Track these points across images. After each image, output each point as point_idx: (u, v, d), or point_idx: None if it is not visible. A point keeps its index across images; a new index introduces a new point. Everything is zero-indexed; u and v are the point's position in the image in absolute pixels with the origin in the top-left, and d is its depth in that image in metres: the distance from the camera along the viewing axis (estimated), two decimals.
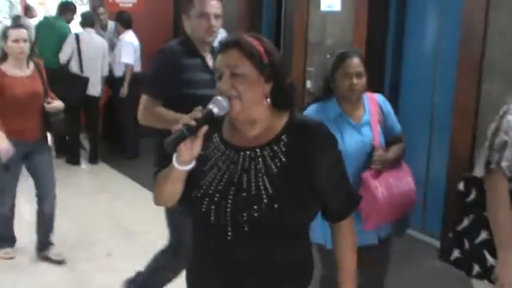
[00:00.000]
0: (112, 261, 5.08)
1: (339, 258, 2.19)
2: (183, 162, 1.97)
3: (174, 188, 2.07)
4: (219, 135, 2.13)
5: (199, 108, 1.94)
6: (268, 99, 2.05)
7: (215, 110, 1.95)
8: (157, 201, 2.19)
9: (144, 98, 3.49)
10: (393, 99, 5.90)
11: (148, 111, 3.46)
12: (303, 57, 6.68)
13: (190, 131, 1.90)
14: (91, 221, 6.08)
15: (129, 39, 8.33)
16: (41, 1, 14.52)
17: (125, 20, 8.41)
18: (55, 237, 5.49)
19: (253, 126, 2.06)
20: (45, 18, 9.77)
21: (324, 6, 6.36)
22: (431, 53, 5.62)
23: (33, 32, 9.73)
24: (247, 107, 1.99)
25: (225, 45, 2.03)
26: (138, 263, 5.02)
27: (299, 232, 2.08)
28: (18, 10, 14.59)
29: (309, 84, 6.58)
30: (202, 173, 2.07)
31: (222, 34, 7.24)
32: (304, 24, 6.61)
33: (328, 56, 6.26)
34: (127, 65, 8.28)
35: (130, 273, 4.33)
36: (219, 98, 1.97)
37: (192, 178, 2.07)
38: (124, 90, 8.26)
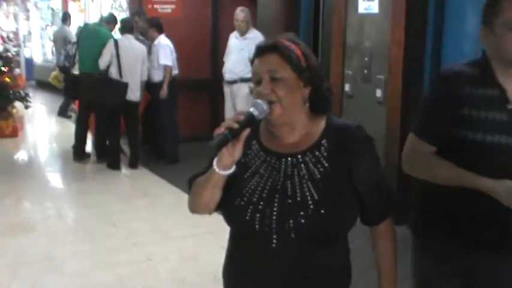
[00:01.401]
0: (151, 266, 5.10)
1: (378, 262, 2.19)
2: (224, 166, 1.95)
3: (213, 194, 2.03)
4: (258, 142, 2.12)
5: (241, 111, 1.93)
6: (307, 104, 2.04)
7: (255, 113, 1.93)
8: (194, 208, 2.16)
9: (411, 138, 2.55)
10: None
11: (416, 157, 2.54)
12: (341, 60, 6.63)
13: (233, 134, 1.87)
14: (131, 226, 6.12)
15: (165, 41, 8.42)
16: (81, 8, 14.75)
17: (158, 25, 8.51)
18: (94, 242, 5.57)
19: (293, 131, 2.05)
20: (86, 24, 9.91)
21: (361, 9, 6.32)
22: (471, 55, 5.52)
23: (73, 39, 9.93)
24: (287, 111, 1.97)
25: (262, 50, 2.02)
26: (177, 267, 5.08)
27: (341, 235, 2.08)
28: (59, 18, 14.83)
29: (347, 87, 6.54)
30: (244, 181, 2.05)
31: (258, 37, 7.29)
32: (342, 26, 6.58)
33: (366, 58, 6.22)
34: (166, 66, 8.34)
35: (169, 278, 4.36)
36: (259, 101, 1.95)
37: (232, 186, 2.05)
38: (164, 92, 8.29)
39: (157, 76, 8.39)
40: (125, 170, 8.44)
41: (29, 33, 19.43)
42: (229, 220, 2.08)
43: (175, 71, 8.55)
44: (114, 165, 8.39)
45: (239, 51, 7.67)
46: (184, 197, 2.22)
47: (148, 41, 8.51)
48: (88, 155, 9.01)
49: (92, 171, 8.67)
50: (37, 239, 5.73)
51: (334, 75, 6.72)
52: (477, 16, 5.37)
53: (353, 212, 2.05)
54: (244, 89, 7.72)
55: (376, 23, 6.11)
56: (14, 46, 13.77)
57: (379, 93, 6.07)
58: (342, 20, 6.58)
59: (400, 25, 5.75)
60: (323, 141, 2.03)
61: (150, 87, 8.50)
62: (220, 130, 1.87)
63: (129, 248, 5.50)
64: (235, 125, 1.87)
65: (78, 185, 7.89)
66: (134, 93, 8.16)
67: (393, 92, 5.87)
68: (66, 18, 12.90)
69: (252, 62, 2.06)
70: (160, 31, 8.47)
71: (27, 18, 19.51)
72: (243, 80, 7.65)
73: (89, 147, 9.27)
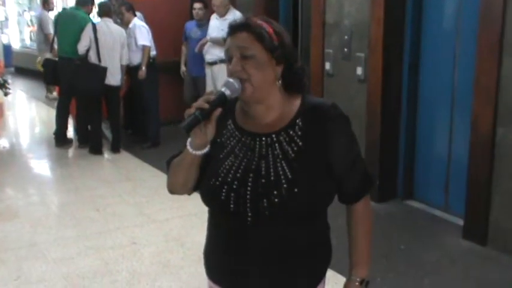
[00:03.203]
0: (136, 250, 5.10)
1: (352, 240, 2.19)
2: (196, 146, 1.96)
3: (189, 174, 2.06)
4: (234, 122, 2.12)
5: (211, 91, 1.93)
6: (280, 81, 2.03)
7: (227, 92, 1.93)
8: (171, 189, 2.18)
9: None
10: (413, 78, 5.86)
11: None
12: (321, 39, 6.63)
13: (204, 115, 1.88)
14: (115, 210, 6.12)
15: (140, 22, 8.41)
16: None
17: (132, 8, 8.51)
18: (78, 227, 5.56)
19: (268, 111, 2.05)
20: (64, 9, 9.81)
21: None
22: (451, 31, 5.55)
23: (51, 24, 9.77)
24: (258, 89, 1.97)
25: (234, 28, 2.02)
26: (162, 250, 5.08)
27: (318, 214, 2.08)
28: (38, 3, 14.63)
29: (327, 66, 6.54)
30: (219, 161, 2.06)
31: (236, 16, 7.26)
32: (321, 5, 6.56)
33: (346, 37, 6.22)
34: (144, 47, 8.33)
35: (154, 261, 4.36)
36: (231, 80, 1.96)
37: (209, 166, 2.06)
38: (142, 72, 8.29)
39: (137, 59, 8.36)
40: (107, 155, 8.41)
41: (6, 19, 19.20)
42: (205, 200, 2.09)
43: (154, 52, 8.53)
44: (96, 150, 8.36)
45: (219, 32, 7.63)
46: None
47: (123, 25, 8.44)
48: (70, 141, 8.98)
49: (74, 156, 8.63)
50: (21, 226, 5.71)
51: (314, 54, 6.72)
52: None
53: (328, 191, 2.04)
54: (224, 69, 7.64)
55: (355, 0, 6.10)
56: None
57: (359, 71, 6.08)
58: None
59: (380, 2, 5.75)
60: (297, 121, 2.03)
61: (130, 70, 8.45)
62: (191, 111, 1.87)
63: (114, 232, 5.50)
64: (206, 105, 1.87)
65: (61, 171, 7.86)
66: (114, 78, 8.11)
67: (373, 70, 5.88)
68: (44, 2, 12.69)
69: (225, 41, 2.06)
70: (134, 14, 8.48)
71: (3, 4, 19.26)
72: (223, 61, 7.62)
73: (70, 132, 9.22)
